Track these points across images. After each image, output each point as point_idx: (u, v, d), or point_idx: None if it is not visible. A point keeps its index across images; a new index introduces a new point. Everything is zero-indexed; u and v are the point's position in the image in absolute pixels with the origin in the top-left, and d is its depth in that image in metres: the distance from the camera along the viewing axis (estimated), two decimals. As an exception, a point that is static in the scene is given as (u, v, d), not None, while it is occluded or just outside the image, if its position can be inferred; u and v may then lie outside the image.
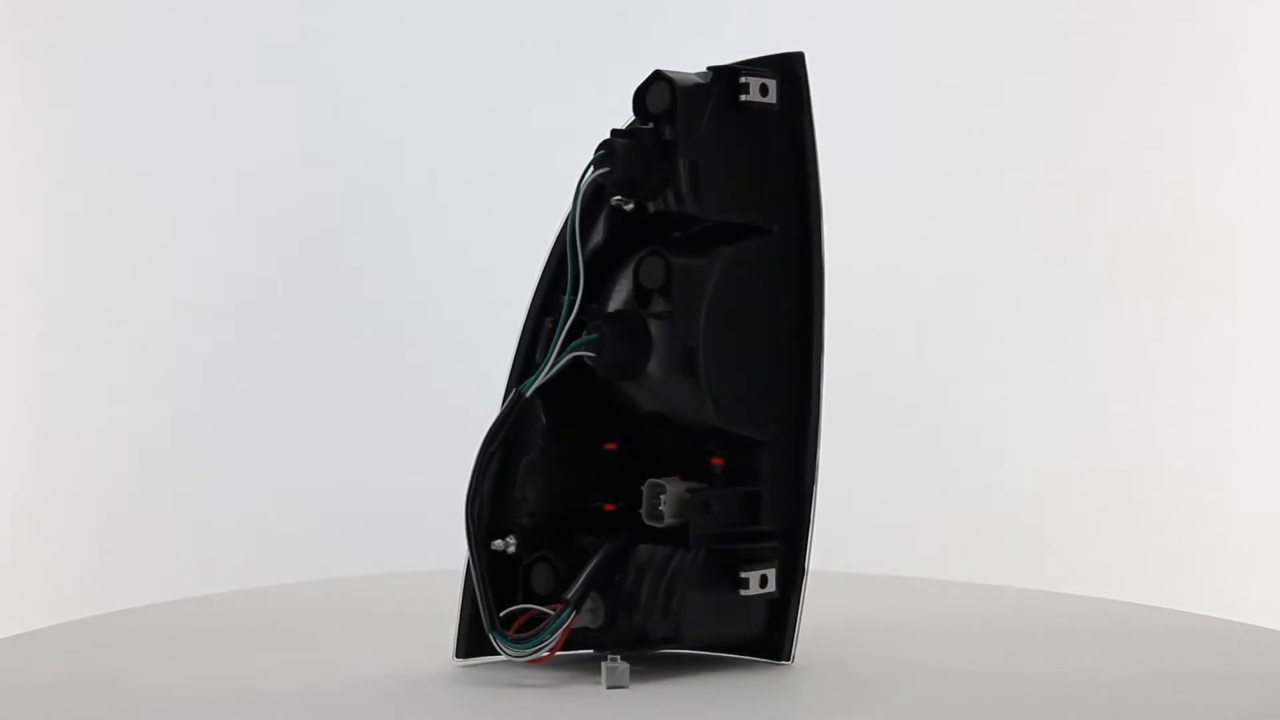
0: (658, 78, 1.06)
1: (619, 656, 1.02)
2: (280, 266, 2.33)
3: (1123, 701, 1.02)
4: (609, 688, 1.01)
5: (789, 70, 1.08)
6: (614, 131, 1.06)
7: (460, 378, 2.21)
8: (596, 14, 2.34)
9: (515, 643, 1.03)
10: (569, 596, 1.04)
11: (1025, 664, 1.12)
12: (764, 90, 1.07)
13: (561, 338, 1.06)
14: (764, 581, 1.07)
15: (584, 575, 1.04)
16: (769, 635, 1.09)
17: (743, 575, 1.06)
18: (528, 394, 1.06)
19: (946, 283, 2.32)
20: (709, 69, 1.07)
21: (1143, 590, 1.66)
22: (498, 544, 1.07)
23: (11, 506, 2.33)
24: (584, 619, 1.04)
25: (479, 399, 2.26)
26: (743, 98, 1.06)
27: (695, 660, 1.09)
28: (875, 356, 2.24)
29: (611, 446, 1.10)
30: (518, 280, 2.28)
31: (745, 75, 1.06)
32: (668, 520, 1.05)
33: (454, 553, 1.08)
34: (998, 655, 1.16)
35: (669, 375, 1.05)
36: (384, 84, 2.35)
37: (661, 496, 1.05)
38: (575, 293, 1.06)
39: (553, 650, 1.03)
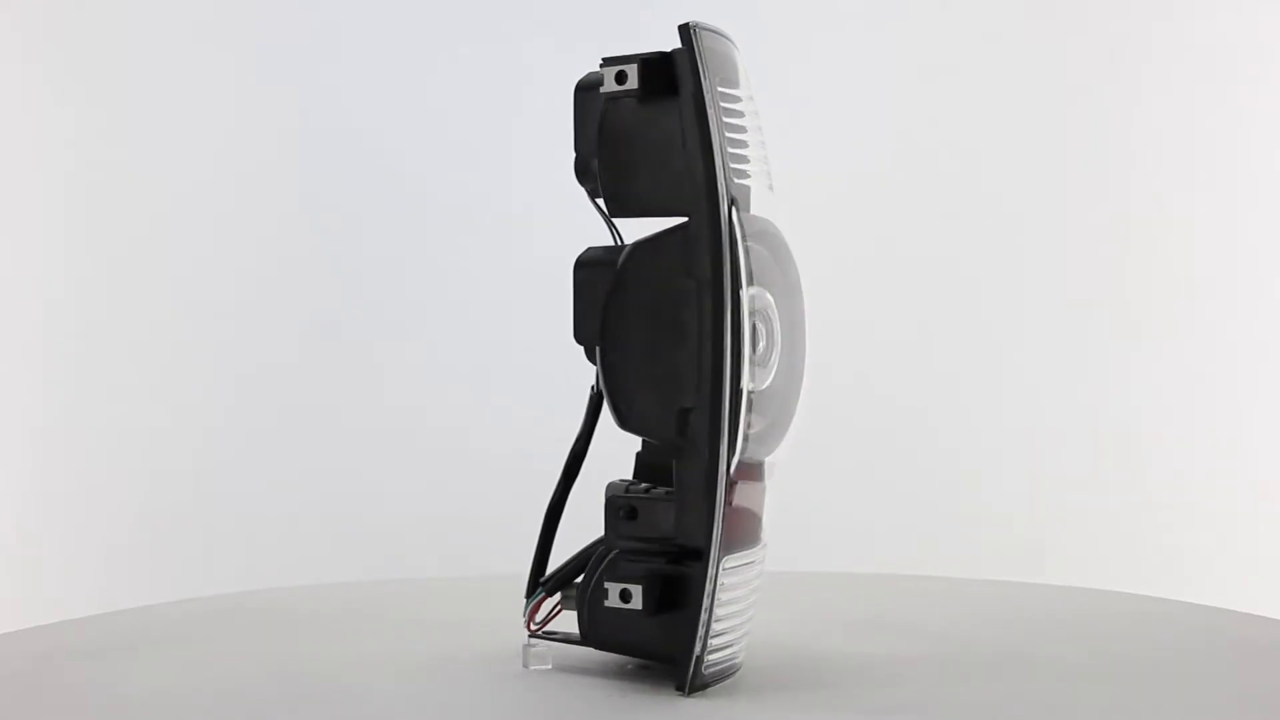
0: None
1: (536, 642, 1.07)
2: (283, 268, 2.31)
3: (1122, 694, 1.02)
4: (523, 666, 1.08)
5: (678, 47, 0.99)
6: None
7: (464, 379, 2.25)
8: (594, 13, 2.31)
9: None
10: (541, 581, 1.08)
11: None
12: (620, 78, 1.00)
13: None
14: (625, 596, 1.01)
15: (561, 565, 1.07)
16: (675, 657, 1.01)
17: (605, 585, 1.02)
18: (599, 389, 1.05)
19: (944, 284, 2.31)
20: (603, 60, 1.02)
21: (1142, 588, 1.58)
22: None
23: (14, 508, 2.32)
24: (566, 607, 1.07)
25: (483, 400, 2.20)
26: (601, 89, 1.01)
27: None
28: (873, 357, 2.26)
29: None
30: (520, 283, 2.23)
31: (603, 66, 1.01)
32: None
33: (456, 558, 1.17)
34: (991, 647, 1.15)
35: None
36: (385, 87, 2.32)
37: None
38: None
39: (526, 626, 1.08)
